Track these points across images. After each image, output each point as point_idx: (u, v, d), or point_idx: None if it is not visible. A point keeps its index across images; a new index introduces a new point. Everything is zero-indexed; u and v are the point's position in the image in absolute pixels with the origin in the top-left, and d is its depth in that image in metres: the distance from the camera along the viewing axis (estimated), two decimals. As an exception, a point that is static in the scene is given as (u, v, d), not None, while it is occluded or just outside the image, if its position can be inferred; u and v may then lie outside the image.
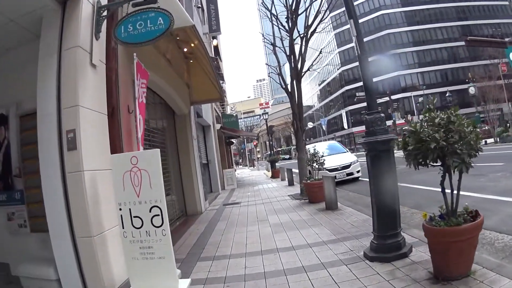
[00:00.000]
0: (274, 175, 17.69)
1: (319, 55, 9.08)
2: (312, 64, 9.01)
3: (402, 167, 3.32)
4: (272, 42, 9.71)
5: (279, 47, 9.25)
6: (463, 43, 50.75)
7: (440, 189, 2.62)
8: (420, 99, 41.37)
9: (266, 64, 10.25)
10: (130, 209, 2.70)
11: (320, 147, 11.07)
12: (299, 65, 8.37)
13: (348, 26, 3.72)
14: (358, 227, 4.73)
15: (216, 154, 12.82)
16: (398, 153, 3.05)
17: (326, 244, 4.05)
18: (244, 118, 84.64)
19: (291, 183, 11.96)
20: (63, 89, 2.94)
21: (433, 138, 2.41)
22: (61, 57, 2.99)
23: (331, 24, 48.49)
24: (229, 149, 22.31)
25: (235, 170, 18.90)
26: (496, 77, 27.22)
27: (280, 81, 9.81)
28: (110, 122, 3.51)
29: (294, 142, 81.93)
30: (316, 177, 7.49)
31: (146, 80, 3.84)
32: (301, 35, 8.59)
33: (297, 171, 14.43)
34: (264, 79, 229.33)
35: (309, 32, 8.67)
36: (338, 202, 6.36)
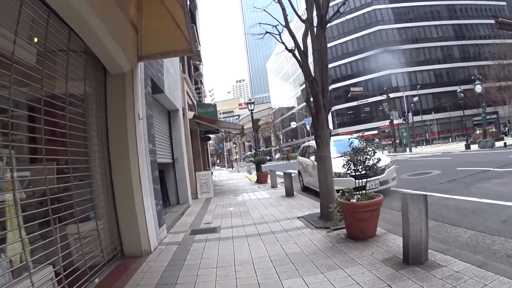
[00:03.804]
0: (260, 180, 14.40)
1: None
2: (344, 3, 5.85)
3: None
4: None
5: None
6: (457, 42, 51.09)
7: None
8: (415, 98, 39.76)
9: (265, 13, 6.91)
10: None
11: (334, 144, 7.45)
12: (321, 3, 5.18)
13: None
14: None
15: (186, 151, 9.31)
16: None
17: None
18: (223, 117, 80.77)
19: (289, 193, 8.65)
20: None
21: None
22: None
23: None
24: (205, 146, 18.73)
25: (212, 173, 15.42)
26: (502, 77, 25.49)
27: (282, 40, 6.69)
28: None
29: (274, 143, 78.92)
30: (363, 193, 4.20)
31: None
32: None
33: (294, 174, 11.03)
34: (244, 80, 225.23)
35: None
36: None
